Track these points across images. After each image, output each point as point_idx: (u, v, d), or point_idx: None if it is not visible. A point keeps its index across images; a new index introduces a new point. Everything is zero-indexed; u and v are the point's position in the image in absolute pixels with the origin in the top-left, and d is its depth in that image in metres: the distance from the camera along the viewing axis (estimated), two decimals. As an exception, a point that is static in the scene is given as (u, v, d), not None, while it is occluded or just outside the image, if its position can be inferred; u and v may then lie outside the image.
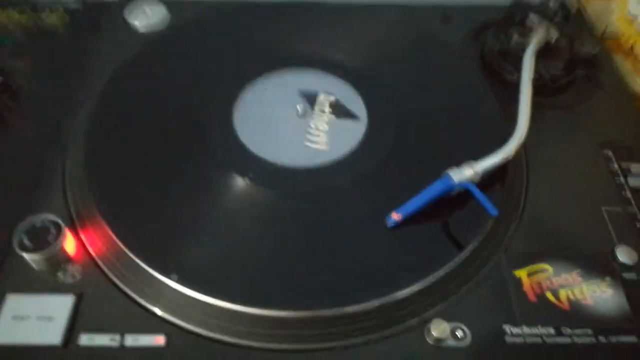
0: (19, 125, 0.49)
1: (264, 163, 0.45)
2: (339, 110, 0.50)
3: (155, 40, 0.55)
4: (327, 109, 0.49)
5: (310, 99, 0.50)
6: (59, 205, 0.44)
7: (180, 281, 0.38)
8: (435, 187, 0.41)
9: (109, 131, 0.47)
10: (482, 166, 0.41)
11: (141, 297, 0.39)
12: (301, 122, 0.49)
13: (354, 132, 0.48)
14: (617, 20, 0.60)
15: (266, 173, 0.45)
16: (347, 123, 0.49)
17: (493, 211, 0.39)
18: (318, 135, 0.47)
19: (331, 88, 0.51)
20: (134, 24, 0.58)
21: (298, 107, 0.48)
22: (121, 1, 0.60)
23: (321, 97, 0.50)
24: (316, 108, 0.49)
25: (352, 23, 0.58)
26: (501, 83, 0.53)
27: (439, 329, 0.37)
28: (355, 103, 0.50)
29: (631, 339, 0.38)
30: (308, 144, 0.47)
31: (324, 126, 0.48)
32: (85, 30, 0.58)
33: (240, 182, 0.44)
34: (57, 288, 0.39)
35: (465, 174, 0.41)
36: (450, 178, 0.41)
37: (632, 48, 0.58)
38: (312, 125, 0.48)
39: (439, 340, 0.37)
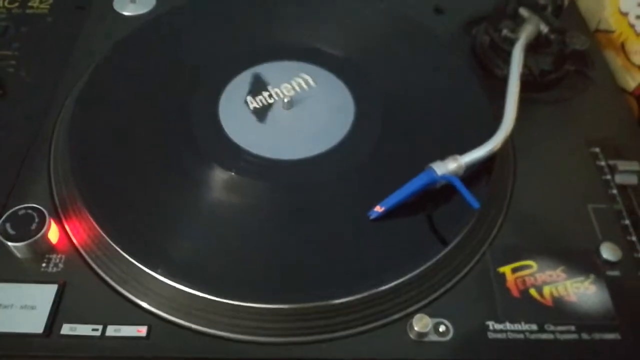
0: (6, 113, 0.49)
1: (249, 155, 0.45)
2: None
3: (140, 27, 0.55)
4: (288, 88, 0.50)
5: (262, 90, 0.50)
6: (44, 195, 0.43)
7: (163, 273, 0.38)
8: (418, 179, 0.41)
9: (94, 122, 0.47)
10: (467, 159, 0.41)
11: (123, 287, 0.39)
12: (286, 113, 0.48)
13: (344, 102, 0.49)
14: (610, 16, 0.60)
15: (251, 165, 0.44)
16: (331, 95, 0.50)
17: (475, 204, 0.39)
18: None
19: (319, 79, 0.51)
20: (123, 14, 0.58)
21: (284, 99, 0.48)
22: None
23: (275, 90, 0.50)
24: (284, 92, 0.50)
25: (344, 14, 0.57)
26: (492, 77, 0.53)
27: (421, 323, 0.37)
28: (343, 96, 0.50)
29: (614, 335, 0.38)
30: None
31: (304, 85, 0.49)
32: (71, 14, 0.58)
33: (225, 175, 0.44)
34: (41, 277, 0.39)
35: (449, 167, 0.41)
36: (433, 171, 0.41)
37: (623, 44, 0.58)
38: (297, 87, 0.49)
39: (421, 334, 0.37)
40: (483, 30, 0.55)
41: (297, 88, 0.50)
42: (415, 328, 0.37)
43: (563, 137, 0.50)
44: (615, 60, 0.58)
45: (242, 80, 0.51)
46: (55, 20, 0.57)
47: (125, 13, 0.58)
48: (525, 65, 0.49)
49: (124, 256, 0.39)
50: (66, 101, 0.50)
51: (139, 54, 0.52)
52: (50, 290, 0.39)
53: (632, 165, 0.47)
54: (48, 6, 0.58)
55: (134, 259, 0.39)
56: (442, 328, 0.38)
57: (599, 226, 0.44)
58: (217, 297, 0.37)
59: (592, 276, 0.41)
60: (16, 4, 0.58)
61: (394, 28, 0.56)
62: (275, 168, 0.44)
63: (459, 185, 0.40)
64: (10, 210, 0.41)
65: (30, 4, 0.59)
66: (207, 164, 0.44)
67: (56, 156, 0.45)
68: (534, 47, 0.51)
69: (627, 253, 0.42)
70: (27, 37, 0.55)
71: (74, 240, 0.41)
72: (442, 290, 0.40)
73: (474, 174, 0.43)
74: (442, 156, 0.42)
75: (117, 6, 0.59)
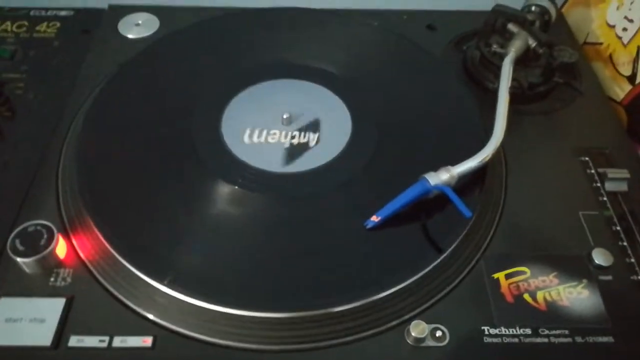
0: (14, 133, 0.51)
1: (251, 169, 0.47)
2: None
3: (144, 50, 0.57)
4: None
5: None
6: (51, 212, 0.45)
7: (169, 285, 0.39)
8: (412, 190, 0.42)
9: (101, 139, 0.48)
10: (458, 170, 0.43)
11: (129, 299, 0.40)
12: (286, 129, 0.50)
13: (341, 117, 0.50)
14: (597, 28, 0.62)
15: (252, 179, 0.46)
16: (330, 112, 0.51)
17: (467, 213, 0.40)
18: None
19: (316, 96, 0.53)
20: (127, 37, 0.60)
21: (284, 115, 0.50)
22: (114, 13, 0.62)
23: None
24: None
25: (339, 32, 0.59)
26: (482, 91, 0.55)
27: (418, 329, 0.38)
28: (340, 112, 0.52)
29: (607, 339, 0.39)
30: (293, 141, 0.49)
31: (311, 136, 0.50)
32: (77, 37, 0.60)
33: (228, 189, 0.45)
34: (49, 291, 0.40)
35: (441, 177, 0.42)
36: (426, 181, 0.42)
37: (611, 56, 0.59)
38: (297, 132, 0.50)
39: (418, 340, 0.38)
40: (474, 46, 0.57)
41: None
42: (413, 334, 0.38)
43: (553, 147, 0.51)
44: (604, 72, 0.60)
45: (244, 98, 0.52)
46: (61, 44, 0.59)
47: (130, 36, 0.60)
48: (515, 79, 0.51)
49: (130, 269, 0.40)
50: (73, 121, 0.51)
51: (144, 75, 0.54)
52: (58, 303, 0.40)
53: (622, 173, 0.48)
54: (55, 30, 0.61)
55: (140, 272, 0.40)
56: (438, 333, 0.39)
57: (590, 232, 0.45)
58: (220, 307, 0.38)
59: (584, 281, 0.42)
60: (24, 29, 0.61)
61: (388, 45, 0.58)
62: (276, 181, 0.46)
63: (452, 194, 0.41)
64: (20, 227, 0.42)
65: (37, 28, 0.61)
66: (211, 178, 0.46)
67: (64, 174, 0.47)
68: (523, 61, 0.53)
69: (619, 258, 0.43)
70: (35, 60, 0.57)
71: (81, 255, 0.42)
72: (438, 296, 0.41)
73: (466, 184, 0.44)
74: (436, 167, 0.43)
75: (121, 29, 0.61)
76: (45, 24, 0.61)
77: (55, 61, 0.57)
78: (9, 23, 0.61)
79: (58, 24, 0.61)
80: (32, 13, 0.62)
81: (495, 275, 0.42)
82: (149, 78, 0.54)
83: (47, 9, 0.63)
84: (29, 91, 0.54)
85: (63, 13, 0.63)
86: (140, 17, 0.62)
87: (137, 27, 0.61)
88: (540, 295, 0.41)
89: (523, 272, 0.42)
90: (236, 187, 0.45)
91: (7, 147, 0.50)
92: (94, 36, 0.60)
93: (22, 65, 0.56)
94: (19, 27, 0.61)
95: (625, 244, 0.44)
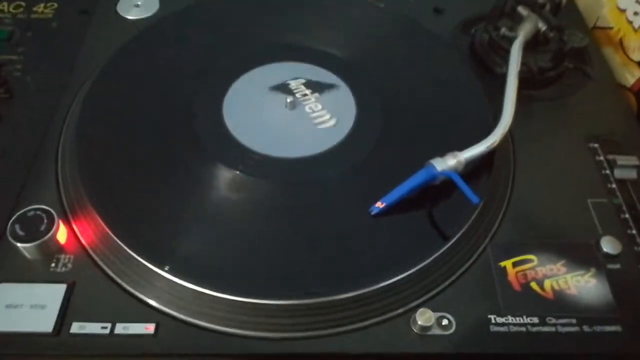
0: (12, 116, 0.50)
1: (253, 154, 0.46)
2: (316, 86, 0.51)
3: (144, 30, 0.56)
4: (307, 91, 0.50)
5: (285, 89, 0.51)
6: (52, 197, 0.44)
7: (170, 271, 0.39)
8: (418, 176, 0.41)
9: (100, 123, 0.48)
10: (466, 155, 0.42)
11: (131, 286, 0.40)
12: (290, 113, 0.49)
13: (345, 101, 0.50)
14: (608, 13, 0.60)
15: (255, 164, 0.45)
16: (333, 94, 0.50)
17: (474, 199, 0.39)
18: (322, 115, 0.49)
19: (320, 79, 0.52)
20: (126, 18, 0.59)
21: (287, 99, 0.49)
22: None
23: (293, 84, 0.51)
24: (298, 94, 0.50)
25: (342, 14, 0.58)
26: (491, 75, 0.53)
27: (424, 317, 0.38)
28: (345, 96, 0.51)
29: (615, 328, 0.39)
30: (320, 126, 0.48)
31: (317, 106, 0.49)
32: (75, 18, 0.59)
33: (229, 174, 0.44)
34: (50, 277, 0.40)
35: (448, 163, 0.41)
36: (433, 167, 0.41)
37: (621, 41, 0.58)
38: (309, 109, 0.49)
39: (424, 328, 0.38)
40: (482, 29, 0.56)
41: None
42: (419, 322, 0.38)
43: (562, 133, 0.50)
44: (614, 57, 0.59)
45: (245, 81, 0.51)
46: (59, 25, 0.58)
47: (129, 17, 0.59)
48: (524, 63, 0.50)
49: (131, 255, 0.40)
50: (73, 104, 0.50)
51: (144, 57, 0.53)
52: (60, 289, 0.39)
53: (631, 160, 0.48)
54: (52, 11, 0.59)
55: (141, 258, 0.39)
56: (445, 322, 0.39)
57: (598, 220, 0.44)
58: (223, 294, 0.38)
59: (592, 269, 0.42)
60: (21, 9, 0.59)
61: (394, 29, 0.57)
62: (279, 166, 0.45)
63: (459, 180, 0.40)
64: (20, 212, 0.41)
65: (34, 9, 0.60)
66: (213, 163, 0.45)
67: (64, 158, 0.46)
68: (533, 45, 0.52)
69: (627, 246, 0.43)
70: (33, 41, 0.56)
71: (82, 241, 0.42)
72: (444, 284, 0.40)
73: (474, 170, 0.44)
74: (442, 153, 0.43)
75: (120, 10, 0.60)
76: (42, 4, 0.60)
77: (53, 43, 0.56)
78: (5, 4, 0.60)
79: (56, 5, 0.60)
80: (31, -6, 0.61)
81: (503, 264, 0.42)
82: (149, 60, 0.53)
83: (44, -11, 0.62)
84: (27, 73, 0.53)
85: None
86: (143, 2, 0.61)
87: (136, 8, 0.60)
88: (547, 284, 0.41)
89: (530, 260, 0.42)
90: (238, 172, 0.44)
91: (5, 130, 0.49)
92: (92, 17, 0.59)
93: (20, 47, 0.55)
94: (16, 7, 0.60)
95: (634, 232, 0.44)
